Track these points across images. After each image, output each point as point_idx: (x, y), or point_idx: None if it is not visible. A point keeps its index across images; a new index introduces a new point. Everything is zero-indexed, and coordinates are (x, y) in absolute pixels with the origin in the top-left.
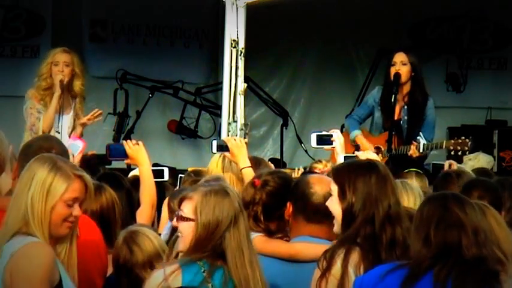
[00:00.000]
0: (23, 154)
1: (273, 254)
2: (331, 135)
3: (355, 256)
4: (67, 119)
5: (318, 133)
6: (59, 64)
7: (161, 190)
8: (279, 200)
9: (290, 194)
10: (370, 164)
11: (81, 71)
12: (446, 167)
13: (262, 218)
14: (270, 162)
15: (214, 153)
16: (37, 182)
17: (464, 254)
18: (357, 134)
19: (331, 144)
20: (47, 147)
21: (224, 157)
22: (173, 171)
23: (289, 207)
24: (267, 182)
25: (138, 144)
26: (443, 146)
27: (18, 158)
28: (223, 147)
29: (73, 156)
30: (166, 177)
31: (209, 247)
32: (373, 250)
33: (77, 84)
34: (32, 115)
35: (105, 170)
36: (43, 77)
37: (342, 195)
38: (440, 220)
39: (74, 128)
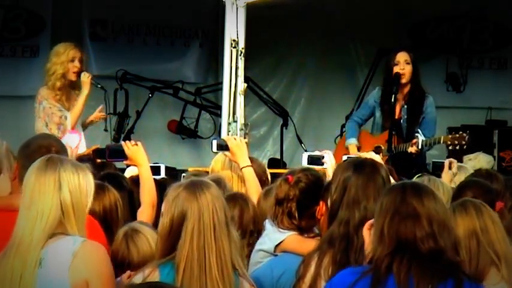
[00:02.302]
0: (22, 154)
1: None
2: (323, 157)
3: (326, 260)
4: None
5: (310, 153)
6: (75, 60)
7: (162, 189)
8: (311, 198)
9: (323, 193)
10: (359, 163)
11: (86, 65)
12: (446, 165)
13: (296, 215)
14: (260, 161)
15: (215, 152)
16: (69, 182)
17: (420, 248)
18: (350, 144)
19: (322, 165)
20: (46, 145)
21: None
22: (173, 171)
23: (322, 206)
24: (300, 179)
25: (136, 144)
26: (441, 141)
27: (18, 158)
28: (223, 147)
29: (71, 148)
30: (162, 174)
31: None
32: (342, 252)
33: (83, 80)
34: (54, 114)
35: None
36: (57, 76)
37: (331, 192)
38: (395, 212)
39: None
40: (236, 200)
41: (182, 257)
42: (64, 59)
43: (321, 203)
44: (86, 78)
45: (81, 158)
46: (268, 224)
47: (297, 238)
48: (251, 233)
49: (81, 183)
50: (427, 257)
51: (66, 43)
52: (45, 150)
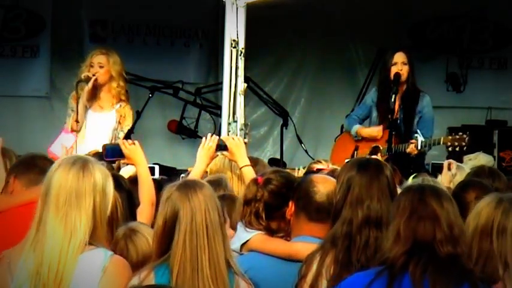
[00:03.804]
0: (19, 165)
1: (271, 252)
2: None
3: (328, 259)
4: (101, 117)
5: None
6: (94, 65)
7: (160, 189)
8: (281, 199)
9: (293, 193)
10: (364, 163)
11: (118, 73)
12: (445, 166)
13: (263, 216)
14: (266, 162)
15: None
16: (100, 188)
17: (439, 250)
18: (357, 128)
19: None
20: (40, 155)
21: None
22: (173, 171)
23: (291, 206)
24: (269, 180)
25: (134, 143)
26: (441, 142)
27: (14, 172)
28: (221, 147)
29: (66, 149)
30: (156, 174)
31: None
32: (344, 251)
33: (113, 87)
34: (68, 115)
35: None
36: (81, 78)
37: (336, 191)
38: (413, 212)
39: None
40: (224, 200)
41: (176, 258)
42: (87, 63)
43: (290, 203)
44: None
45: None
46: (238, 225)
47: (262, 237)
48: None
49: (109, 189)
50: (444, 261)
51: (97, 48)
52: (43, 159)
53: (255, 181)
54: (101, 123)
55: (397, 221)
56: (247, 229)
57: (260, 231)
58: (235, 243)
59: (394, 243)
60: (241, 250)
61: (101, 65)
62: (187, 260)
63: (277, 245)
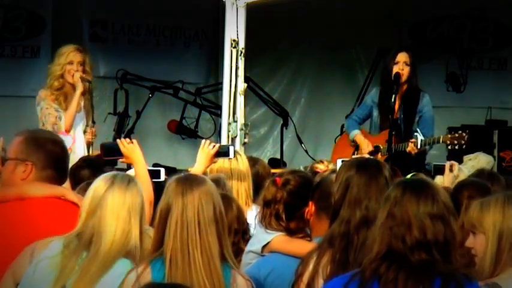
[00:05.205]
0: (32, 147)
1: (295, 253)
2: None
3: (325, 258)
4: (79, 116)
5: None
6: (74, 63)
7: (161, 189)
8: (300, 200)
9: (312, 193)
10: (363, 163)
11: (91, 69)
12: (447, 167)
13: (284, 217)
14: (265, 162)
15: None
16: (140, 208)
17: (410, 257)
18: (356, 134)
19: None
20: (53, 139)
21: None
22: (173, 171)
23: (312, 207)
24: (288, 180)
25: (132, 142)
26: (441, 141)
27: (26, 153)
28: (223, 153)
29: None
30: (162, 177)
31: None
32: (341, 251)
33: (86, 85)
34: (50, 115)
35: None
36: (56, 77)
37: (334, 191)
38: (388, 216)
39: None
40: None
41: (167, 248)
42: (63, 61)
43: (310, 203)
44: (75, 78)
45: (91, 159)
46: (257, 226)
47: (284, 238)
48: (235, 231)
49: (142, 205)
50: (416, 267)
51: (70, 45)
52: (52, 143)
53: (273, 182)
54: (78, 122)
55: (376, 223)
56: (268, 230)
57: (281, 232)
58: (255, 245)
59: (373, 246)
60: (262, 251)
61: (80, 63)
62: (178, 250)
63: (301, 246)
